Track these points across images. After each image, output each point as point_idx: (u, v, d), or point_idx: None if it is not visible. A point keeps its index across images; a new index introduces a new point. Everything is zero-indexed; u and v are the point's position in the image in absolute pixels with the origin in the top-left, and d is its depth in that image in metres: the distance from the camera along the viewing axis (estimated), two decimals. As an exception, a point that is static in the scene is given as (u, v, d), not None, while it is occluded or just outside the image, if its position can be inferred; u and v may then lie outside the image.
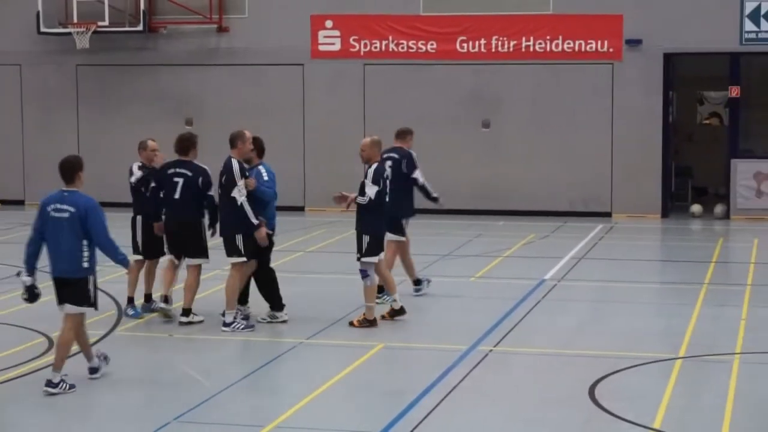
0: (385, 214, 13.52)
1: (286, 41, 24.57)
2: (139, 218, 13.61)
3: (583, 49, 23.53)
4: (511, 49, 23.81)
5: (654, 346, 12.24)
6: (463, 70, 24.05)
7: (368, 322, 12.99)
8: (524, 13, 23.74)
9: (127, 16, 25.01)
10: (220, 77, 25.10)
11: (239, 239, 12.73)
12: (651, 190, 23.51)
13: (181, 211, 13.09)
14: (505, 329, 12.95)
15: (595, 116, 23.59)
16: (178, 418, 9.57)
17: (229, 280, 12.92)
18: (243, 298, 13.30)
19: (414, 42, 24.16)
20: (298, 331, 12.78)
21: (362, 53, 24.40)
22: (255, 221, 12.71)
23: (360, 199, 12.95)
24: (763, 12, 22.86)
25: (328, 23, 24.47)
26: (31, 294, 10.67)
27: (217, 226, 13.20)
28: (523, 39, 23.71)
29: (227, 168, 12.73)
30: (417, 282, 14.95)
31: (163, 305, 13.38)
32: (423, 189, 14.71)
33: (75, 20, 24.68)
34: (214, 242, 13.32)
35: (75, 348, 10.89)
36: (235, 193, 12.64)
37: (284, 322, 13.23)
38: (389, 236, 14.44)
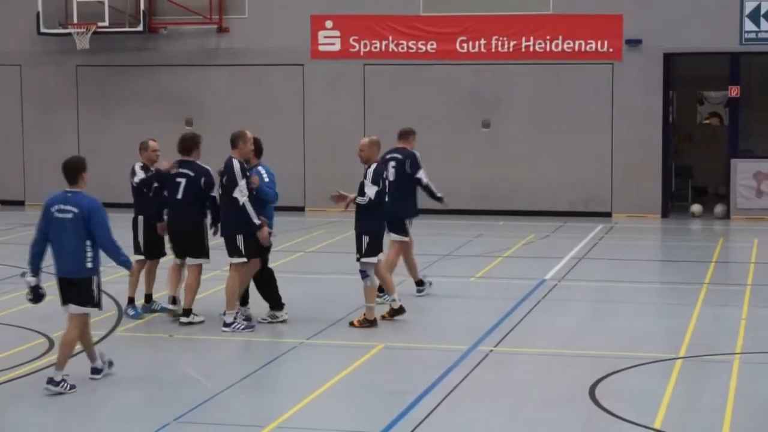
0: (387, 214, 13.55)
1: (286, 41, 24.57)
2: (140, 218, 13.63)
3: (583, 49, 23.54)
4: (511, 49, 23.82)
5: (654, 346, 12.24)
6: (463, 71, 24.06)
7: (368, 323, 13.00)
8: (524, 13, 23.74)
9: (127, 17, 25.02)
10: (220, 77, 25.11)
11: (240, 240, 12.74)
12: (651, 190, 23.51)
13: (184, 211, 13.11)
14: (505, 329, 12.95)
15: (595, 116, 23.59)
16: (179, 419, 9.57)
17: (229, 280, 12.92)
18: (243, 299, 13.31)
19: (414, 42, 24.16)
20: (299, 332, 12.78)
21: (362, 53, 24.40)
22: (257, 221, 12.72)
23: (359, 200, 12.95)
24: (762, 12, 22.86)
25: (328, 23, 24.47)
26: (36, 294, 10.71)
27: (219, 225, 13.22)
28: (523, 39, 23.72)
29: (228, 168, 12.73)
30: (420, 283, 14.96)
31: (171, 306, 13.39)
32: (427, 189, 14.71)
33: (75, 21, 24.69)
34: (216, 242, 13.32)
35: (78, 347, 10.89)
36: (236, 194, 12.64)
37: (284, 321, 13.24)
38: (393, 236, 14.48)
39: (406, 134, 14.88)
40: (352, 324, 13.06)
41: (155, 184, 13.39)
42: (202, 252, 13.20)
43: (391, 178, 14.48)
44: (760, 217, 22.97)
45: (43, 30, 25.14)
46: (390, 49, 24.26)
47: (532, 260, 18.15)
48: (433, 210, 16.39)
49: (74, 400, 10.26)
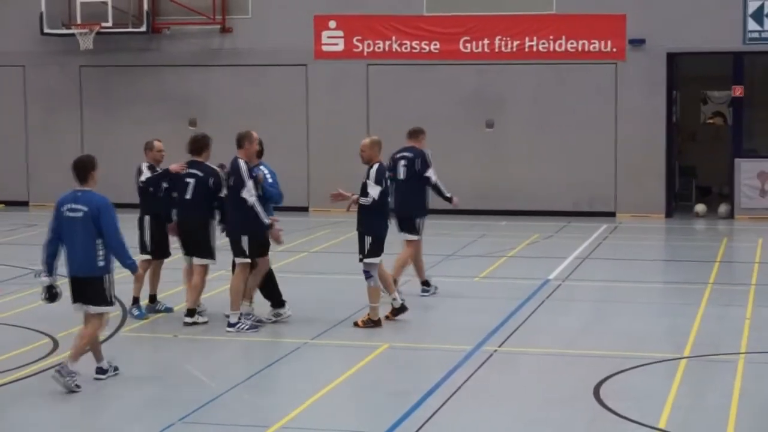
0: (397, 214, 13.55)
1: (289, 42, 24.57)
2: (147, 218, 13.65)
3: (586, 49, 23.52)
4: (515, 49, 23.81)
5: (659, 346, 12.23)
6: (466, 71, 24.05)
7: (373, 323, 13.00)
8: (527, 13, 23.73)
9: (131, 17, 25.02)
10: (224, 78, 25.11)
11: (245, 240, 12.74)
12: (655, 190, 23.49)
13: (192, 211, 13.15)
14: (509, 329, 12.95)
15: (598, 116, 23.58)
16: (183, 419, 9.58)
17: (233, 280, 12.93)
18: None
19: (417, 42, 24.16)
20: (303, 332, 12.78)
21: (365, 53, 24.40)
22: (266, 221, 12.73)
23: (363, 200, 12.94)
24: (766, 11, 22.84)
25: (332, 24, 24.47)
26: (50, 294, 10.76)
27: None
28: (527, 39, 23.71)
29: (234, 169, 12.72)
30: (425, 283, 14.97)
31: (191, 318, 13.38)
32: (436, 188, 14.74)
33: (78, 21, 24.69)
34: (222, 242, 13.30)
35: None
36: (244, 194, 12.64)
37: (288, 317, 13.25)
38: (405, 236, 14.53)
39: (416, 133, 14.95)
40: (356, 324, 13.07)
41: (165, 185, 13.43)
42: (209, 252, 13.21)
43: (402, 176, 14.56)
44: (764, 217, 22.95)
45: (46, 30, 25.15)
46: (393, 49, 24.26)
47: (536, 260, 18.14)
48: (436, 210, 16.38)
49: (79, 400, 10.26)
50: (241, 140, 12.90)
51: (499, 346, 12.14)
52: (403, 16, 24.17)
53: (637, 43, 23.24)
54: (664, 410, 9.74)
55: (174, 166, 13.29)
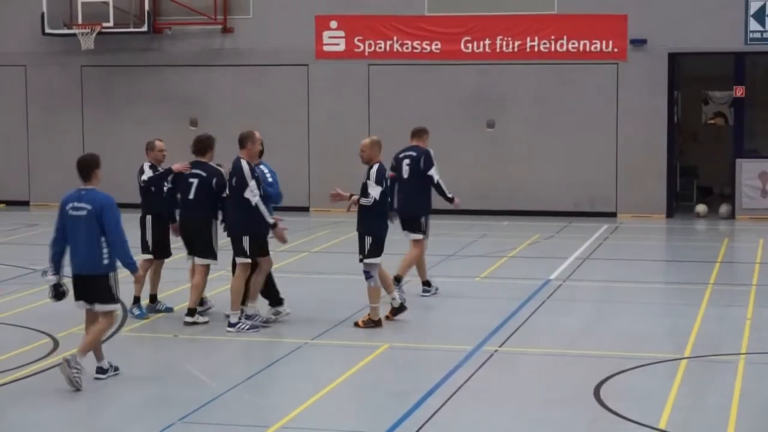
0: (401, 213, 13.56)
1: (290, 42, 24.57)
2: (148, 218, 13.67)
3: (587, 49, 23.52)
4: (516, 50, 23.81)
5: (659, 347, 12.23)
6: (467, 71, 24.05)
7: (373, 323, 12.99)
8: (529, 13, 23.74)
9: (132, 17, 25.04)
10: (225, 78, 25.12)
11: (246, 241, 12.74)
12: (656, 190, 23.49)
13: (195, 211, 13.16)
14: (510, 329, 12.94)
15: (599, 116, 23.58)
16: (183, 419, 9.57)
17: (234, 280, 12.93)
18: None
19: (418, 42, 24.16)
20: (303, 332, 12.78)
21: (367, 53, 24.40)
22: (271, 220, 12.73)
23: (364, 201, 12.93)
24: (767, 11, 22.83)
25: (333, 24, 24.47)
26: (57, 292, 10.81)
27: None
28: (528, 39, 23.71)
29: (237, 169, 12.71)
30: (427, 284, 14.98)
31: (202, 307, 13.55)
32: (438, 187, 14.76)
33: (79, 21, 24.70)
34: (225, 242, 13.30)
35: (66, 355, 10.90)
36: (248, 194, 12.63)
37: (288, 314, 13.24)
38: (411, 236, 14.57)
39: (419, 132, 15.01)
40: (356, 324, 13.06)
41: (168, 185, 13.45)
42: (210, 252, 13.22)
43: (406, 176, 14.62)
44: (765, 217, 22.94)
45: (47, 30, 25.17)
46: (395, 50, 24.27)
47: (537, 260, 18.14)
48: (437, 210, 16.34)
49: (79, 399, 10.26)
50: (244, 140, 12.89)
51: (500, 347, 12.14)
52: (404, 16, 24.18)
53: (639, 43, 23.23)
54: (664, 411, 9.74)
55: (177, 166, 13.30)
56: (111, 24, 24.58)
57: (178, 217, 13.47)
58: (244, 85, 24.94)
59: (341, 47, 24.51)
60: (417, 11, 24.15)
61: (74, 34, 24.71)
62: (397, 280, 14.24)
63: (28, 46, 25.71)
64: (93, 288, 10.58)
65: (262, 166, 13.13)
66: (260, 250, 12.89)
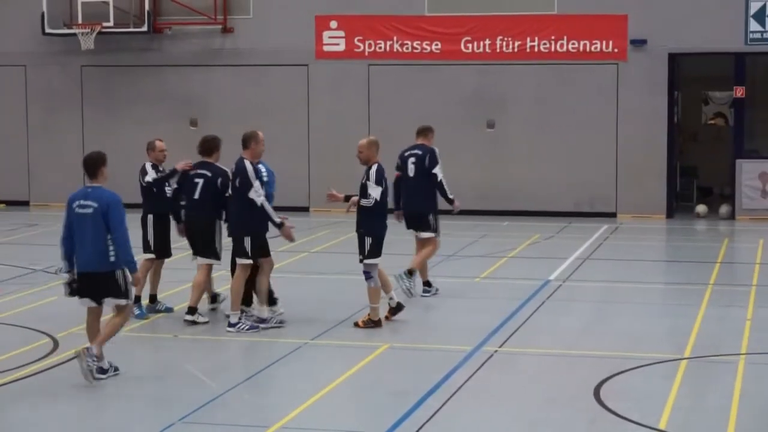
0: (406, 212, 13.60)
1: (290, 42, 24.57)
2: (150, 217, 13.69)
3: (587, 50, 23.52)
4: (516, 50, 23.81)
5: (659, 347, 12.23)
6: (467, 71, 24.05)
7: (373, 323, 12.99)
8: (529, 13, 23.74)
9: (132, 17, 25.04)
10: (225, 78, 25.11)
11: (247, 241, 12.74)
12: (656, 191, 23.49)
13: (200, 211, 13.22)
14: (510, 330, 12.94)
15: (599, 116, 23.58)
16: (183, 419, 9.57)
17: (234, 281, 12.93)
18: (247, 300, 13.33)
19: (418, 42, 24.16)
20: (303, 332, 12.78)
21: (367, 54, 24.40)
22: (277, 220, 12.74)
23: (364, 202, 12.92)
24: (767, 12, 22.83)
25: (333, 24, 24.47)
26: (72, 289, 10.86)
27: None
28: (528, 39, 23.71)
29: (240, 169, 12.70)
30: (427, 284, 14.98)
31: (212, 305, 13.72)
32: (440, 186, 14.80)
33: (80, 21, 24.70)
34: (227, 242, 13.30)
35: (81, 348, 10.88)
36: (252, 195, 12.63)
37: (281, 314, 13.24)
38: (421, 234, 14.61)
39: (425, 131, 15.10)
40: (356, 324, 13.06)
41: (174, 185, 13.48)
42: (213, 252, 13.25)
43: (411, 174, 14.71)
44: (765, 218, 22.94)
45: (47, 30, 25.17)
46: (395, 50, 24.27)
47: (537, 260, 18.14)
48: (438, 210, 16.37)
49: (79, 400, 10.26)
50: (248, 140, 12.89)
51: (500, 347, 12.13)
52: (404, 17, 24.18)
53: (639, 43, 23.23)
54: (664, 411, 9.73)
55: (180, 164, 13.32)
56: (111, 24, 24.57)
57: (183, 218, 13.54)
58: (244, 85, 24.95)
59: (341, 47, 24.51)
60: (417, 11, 24.15)
61: (74, 34, 24.71)
62: (410, 273, 14.44)
63: (28, 46, 25.71)
64: (101, 285, 10.65)
65: (260, 165, 13.12)
66: (261, 250, 12.89)
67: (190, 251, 13.50)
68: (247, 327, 12.79)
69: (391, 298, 13.34)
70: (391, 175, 13.81)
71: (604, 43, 23.45)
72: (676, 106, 24.58)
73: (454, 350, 11.90)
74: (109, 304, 10.78)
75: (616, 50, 23.41)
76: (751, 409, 9.87)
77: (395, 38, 24.23)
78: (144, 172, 13.70)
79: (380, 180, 12.89)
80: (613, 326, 13.40)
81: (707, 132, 28.50)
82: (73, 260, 10.76)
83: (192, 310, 13.15)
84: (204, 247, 13.24)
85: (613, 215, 23.53)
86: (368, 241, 12.95)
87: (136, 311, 13.57)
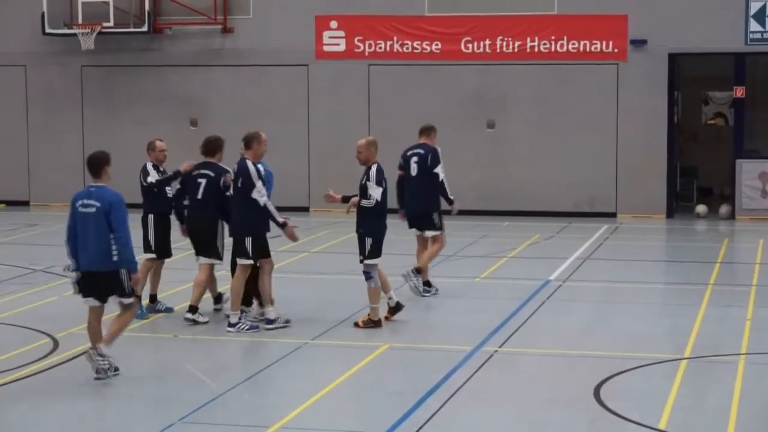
0: (409, 211, 13.61)
1: (290, 42, 24.57)
2: (151, 217, 13.70)
3: (587, 50, 23.52)
4: (516, 50, 23.81)
5: (659, 347, 12.23)
6: (467, 71, 24.05)
7: (373, 323, 12.99)
8: (529, 13, 23.74)
9: (132, 17, 25.03)
10: (225, 78, 25.11)
11: (248, 242, 12.74)
12: (656, 191, 23.49)
13: (203, 211, 13.25)
14: (510, 330, 12.94)
15: (599, 117, 23.58)
16: (183, 419, 9.57)
17: (234, 281, 12.93)
18: (247, 300, 13.34)
19: (419, 42, 24.16)
20: (303, 332, 12.78)
21: (367, 54, 24.40)
22: (280, 220, 12.75)
23: (365, 202, 12.91)
24: (767, 12, 22.82)
25: (333, 24, 24.47)
26: (80, 288, 10.87)
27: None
28: (528, 39, 23.71)
29: (243, 170, 12.70)
30: (427, 284, 14.99)
31: (217, 306, 13.75)
32: (441, 186, 14.82)
33: (80, 21, 24.69)
34: (229, 242, 13.30)
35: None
36: (255, 195, 12.64)
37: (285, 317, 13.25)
38: (426, 233, 14.65)
39: (427, 130, 15.16)
40: (356, 324, 13.06)
41: (177, 186, 13.49)
42: (215, 252, 13.27)
43: (414, 173, 14.75)
44: (765, 218, 22.94)
45: (47, 30, 25.16)
46: (395, 50, 24.27)
47: (537, 261, 18.14)
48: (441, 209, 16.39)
49: (79, 399, 10.26)
50: (250, 141, 12.90)
51: (500, 347, 12.13)
52: (404, 17, 24.18)
53: (639, 43, 23.23)
54: (664, 411, 9.73)
55: (183, 166, 13.34)
56: (111, 24, 24.57)
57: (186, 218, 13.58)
58: (244, 85, 24.94)
59: (341, 47, 24.51)
60: (417, 11, 24.15)
61: (74, 34, 24.71)
62: (418, 271, 14.57)
63: (28, 46, 25.71)
64: (105, 284, 10.68)
65: (259, 165, 13.12)
66: (262, 251, 12.89)
67: (192, 251, 13.51)
68: (247, 327, 12.79)
69: (390, 298, 13.34)
70: (391, 174, 13.81)
71: (604, 43, 23.45)
72: (676, 106, 24.58)
73: (454, 350, 11.90)
74: (118, 302, 10.82)
75: (616, 50, 23.41)
76: (751, 409, 9.87)
77: (395, 38, 24.23)
78: (146, 173, 13.70)
79: (381, 180, 12.90)
80: (613, 326, 13.40)
81: (707, 132, 28.50)
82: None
83: (193, 309, 13.16)
84: (206, 246, 13.27)
85: (613, 215, 23.53)
86: (368, 241, 12.95)
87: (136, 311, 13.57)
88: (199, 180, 13.23)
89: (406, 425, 9.40)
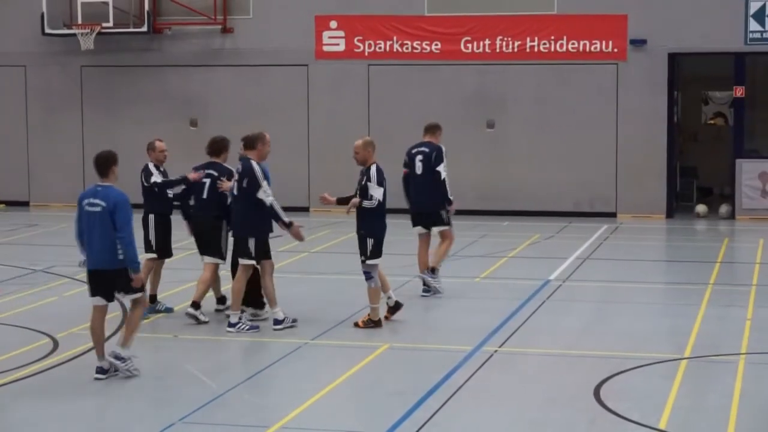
0: (415, 209, 13.67)
1: (290, 42, 24.58)
2: (151, 217, 13.70)
3: (587, 50, 23.53)
4: (516, 50, 23.81)
5: (659, 347, 12.23)
6: (467, 71, 24.05)
7: (373, 323, 12.99)
8: (529, 13, 23.74)
9: (132, 17, 25.04)
10: (225, 78, 25.12)
11: (251, 243, 12.74)
12: (656, 191, 23.49)
13: (207, 210, 13.30)
14: (510, 330, 12.94)
15: (599, 116, 23.58)
16: (184, 419, 9.57)
17: (235, 282, 12.93)
18: (260, 303, 13.35)
19: (418, 42, 24.16)
20: (303, 332, 12.78)
21: (367, 54, 24.40)
22: (287, 220, 12.75)
23: (367, 203, 12.90)
24: (767, 12, 22.83)
25: (333, 24, 24.48)
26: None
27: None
28: (528, 39, 23.71)
29: (248, 170, 12.69)
30: (426, 288, 14.99)
31: (220, 306, 13.79)
32: (442, 185, 14.84)
33: (79, 21, 24.70)
34: (231, 242, 13.32)
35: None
36: (261, 195, 12.64)
37: (265, 320, 13.23)
38: (435, 229, 14.84)
39: (432, 128, 15.22)
40: (356, 324, 13.06)
41: (182, 187, 13.51)
42: (218, 252, 13.30)
43: (419, 171, 14.81)
44: (765, 218, 22.94)
45: (47, 31, 25.17)
46: (394, 50, 24.27)
47: (537, 260, 18.14)
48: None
49: (79, 399, 10.26)
50: (254, 141, 12.90)
51: (500, 347, 12.13)
52: (404, 17, 24.18)
53: (639, 43, 23.23)
54: (664, 411, 9.73)
55: (193, 175, 13.35)
56: (111, 24, 24.58)
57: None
58: (243, 85, 24.95)
59: (341, 47, 24.51)
60: (417, 11, 24.16)
61: (74, 34, 24.72)
62: (433, 270, 14.66)
63: (28, 46, 25.72)
64: (112, 282, 10.71)
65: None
66: (263, 252, 12.89)
67: (195, 250, 13.52)
68: (247, 327, 12.79)
69: (389, 297, 13.34)
70: (394, 173, 13.82)
71: (603, 43, 23.45)
72: (676, 106, 24.58)
73: (454, 350, 11.90)
74: (126, 299, 10.90)
75: (615, 50, 23.41)
76: (751, 409, 9.87)
77: (395, 38, 24.24)
78: (148, 173, 13.71)
79: (381, 180, 12.90)
80: (613, 326, 13.40)
81: (707, 132, 28.51)
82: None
83: (195, 305, 13.17)
84: (209, 246, 13.30)
85: (613, 215, 23.53)
86: (370, 242, 12.94)
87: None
88: (204, 180, 13.28)
89: (406, 425, 9.40)
